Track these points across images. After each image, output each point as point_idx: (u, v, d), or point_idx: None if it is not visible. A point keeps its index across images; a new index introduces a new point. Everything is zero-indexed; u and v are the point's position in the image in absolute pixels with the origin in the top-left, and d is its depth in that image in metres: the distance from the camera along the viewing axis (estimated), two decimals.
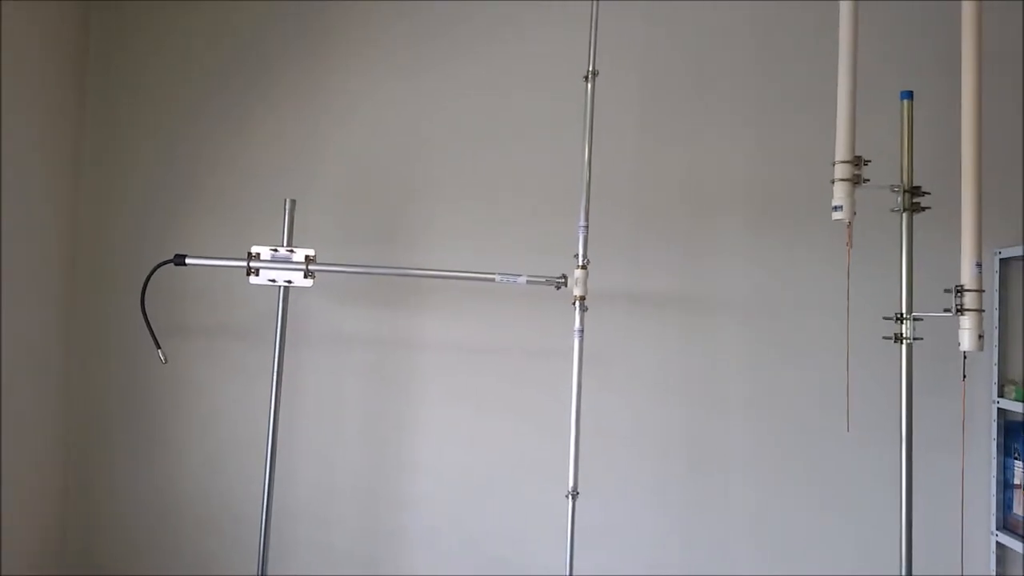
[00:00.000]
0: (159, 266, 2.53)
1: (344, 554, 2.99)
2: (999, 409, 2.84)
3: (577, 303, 2.38)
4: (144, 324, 2.55)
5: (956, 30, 2.21)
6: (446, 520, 2.99)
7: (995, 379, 2.85)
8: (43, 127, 2.84)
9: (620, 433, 2.96)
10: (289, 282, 2.56)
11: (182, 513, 3.00)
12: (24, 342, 2.76)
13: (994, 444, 2.85)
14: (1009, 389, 2.80)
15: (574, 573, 2.35)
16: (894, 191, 2.31)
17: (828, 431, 2.88)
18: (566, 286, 2.46)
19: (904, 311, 2.30)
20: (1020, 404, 2.71)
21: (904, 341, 2.29)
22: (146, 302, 2.54)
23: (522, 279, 2.49)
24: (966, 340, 2.14)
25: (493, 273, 2.51)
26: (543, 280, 2.49)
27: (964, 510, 2.73)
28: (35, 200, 2.80)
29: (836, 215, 2.20)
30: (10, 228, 2.65)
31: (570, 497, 2.35)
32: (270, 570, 2.61)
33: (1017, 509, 2.79)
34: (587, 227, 2.40)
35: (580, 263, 2.40)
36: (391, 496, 3.00)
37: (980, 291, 2.14)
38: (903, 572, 2.28)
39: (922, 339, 2.29)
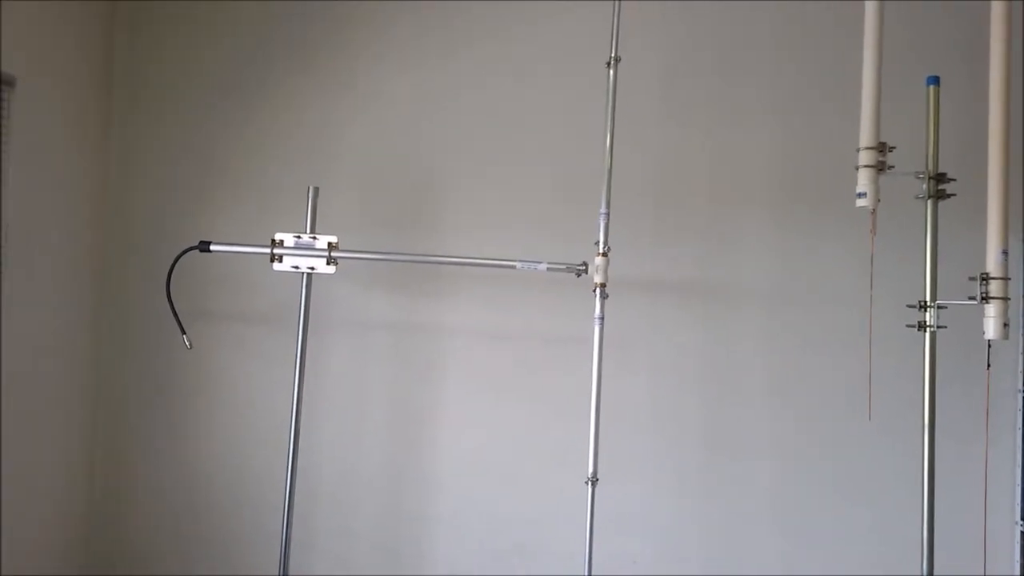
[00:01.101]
0: (184, 252, 2.56)
1: (365, 538, 3.02)
2: None
3: (598, 290, 2.38)
4: (170, 310, 2.58)
5: (980, 17, 2.17)
6: (467, 505, 3.01)
7: (1020, 368, 2.81)
8: (72, 123, 2.87)
9: (640, 420, 2.96)
10: (312, 268, 2.58)
11: (205, 496, 3.04)
12: (53, 329, 2.81)
13: (1019, 433, 2.82)
14: None
15: (593, 558, 2.36)
16: (919, 178, 2.28)
17: (849, 421, 2.87)
18: (587, 273, 2.46)
19: (928, 299, 2.28)
20: None
21: (928, 329, 2.27)
22: (171, 289, 2.57)
23: (542, 266, 2.49)
24: (991, 328, 2.11)
25: (514, 260, 2.52)
26: (563, 267, 2.49)
27: (988, 499, 2.70)
28: (63, 191, 2.84)
29: (860, 202, 2.17)
30: (39, 219, 2.69)
31: (590, 483, 2.36)
32: (292, 553, 2.64)
33: None
34: (608, 213, 2.40)
35: (601, 250, 2.39)
36: (412, 481, 3.03)
37: (1006, 279, 2.11)
38: (925, 561, 2.27)
39: (946, 327, 2.27)
